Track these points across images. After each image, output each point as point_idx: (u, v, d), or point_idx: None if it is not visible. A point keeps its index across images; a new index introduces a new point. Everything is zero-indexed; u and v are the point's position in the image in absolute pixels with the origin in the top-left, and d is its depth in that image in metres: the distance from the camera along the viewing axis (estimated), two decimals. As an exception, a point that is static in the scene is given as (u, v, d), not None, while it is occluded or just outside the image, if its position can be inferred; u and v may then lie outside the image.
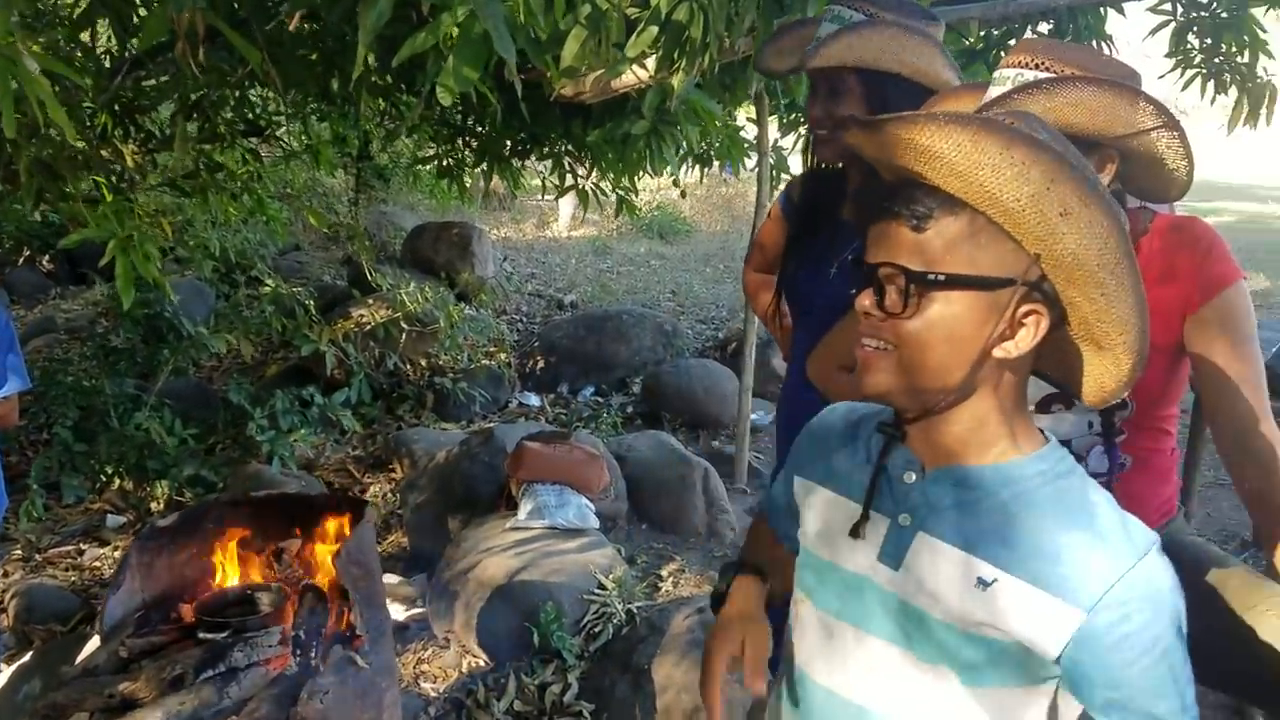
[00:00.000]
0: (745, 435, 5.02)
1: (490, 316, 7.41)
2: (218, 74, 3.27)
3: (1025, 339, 1.02)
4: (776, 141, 5.66)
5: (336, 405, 5.43)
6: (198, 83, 3.33)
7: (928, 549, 1.07)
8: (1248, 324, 1.66)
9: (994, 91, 1.64)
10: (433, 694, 3.00)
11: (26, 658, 2.92)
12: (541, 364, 6.89)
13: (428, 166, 6.03)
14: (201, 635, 2.09)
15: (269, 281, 6.23)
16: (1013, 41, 4.33)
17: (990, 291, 1.00)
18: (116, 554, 4.58)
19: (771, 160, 5.08)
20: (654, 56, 1.96)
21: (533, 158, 5.43)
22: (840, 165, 2.04)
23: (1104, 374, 1.08)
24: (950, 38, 3.33)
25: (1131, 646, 0.99)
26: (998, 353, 1.02)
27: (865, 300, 1.04)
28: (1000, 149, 0.96)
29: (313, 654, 2.05)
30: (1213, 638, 1.63)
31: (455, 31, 1.87)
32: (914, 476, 1.10)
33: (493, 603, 3.23)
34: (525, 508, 3.72)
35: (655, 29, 1.82)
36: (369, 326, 5.97)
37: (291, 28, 2.06)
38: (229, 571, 2.32)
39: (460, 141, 5.33)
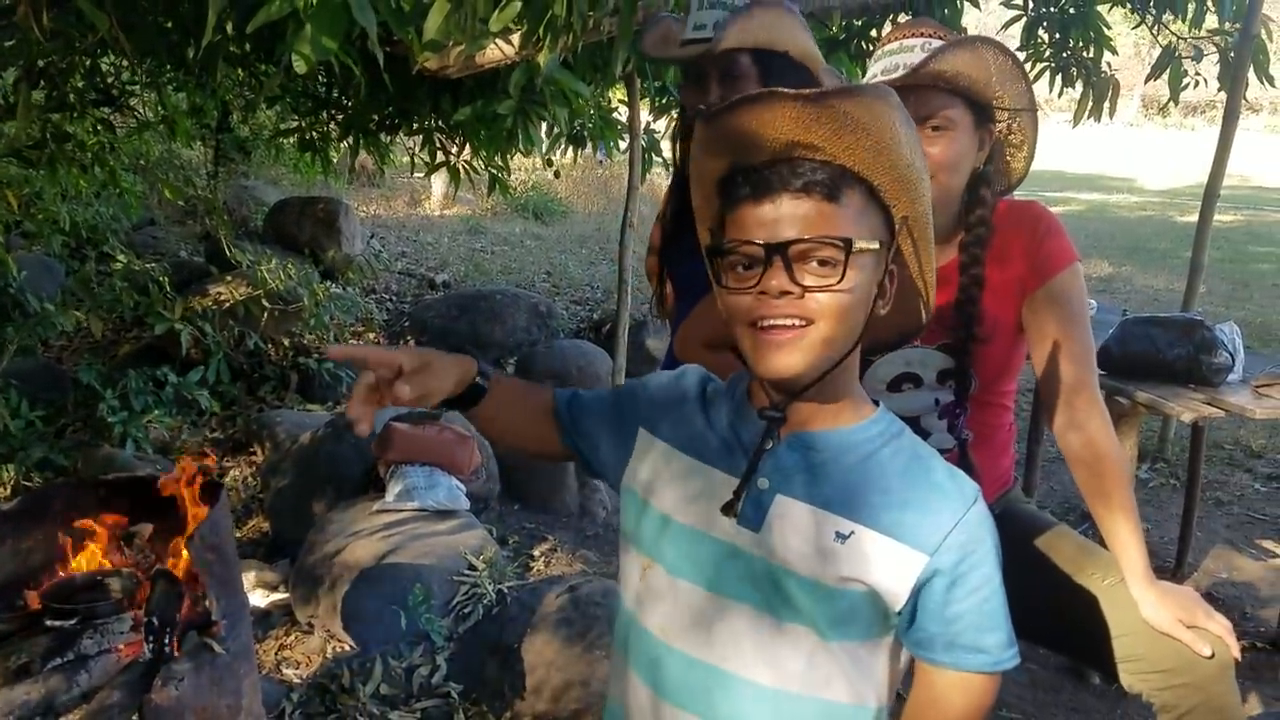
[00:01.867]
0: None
1: (358, 295, 7.23)
2: (65, 40, 3.10)
3: (889, 296, 1.13)
4: (649, 124, 5.71)
5: (192, 385, 5.22)
6: (43, 48, 3.15)
7: (786, 510, 1.13)
8: (1079, 304, 1.79)
9: (876, 68, 1.75)
10: (296, 680, 2.94)
11: None
12: (412, 344, 6.77)
13: (290, 140, 5.85)
14: (48, 623, 2.01)
15: (121, 257, 5.92)
16: (874, 32, 4.50)
17: (876, 255, 1.09)
18: (-49, 544, 4.31)
19: (644, 142, 5.13)
20: (519, 32, 1.96)
21: (401, 133, 5.33)
22: None
23: (918, 315, 1.24)
24: (813, 27, 3.42)
25: (967, 585, 1.10)
26: (879, 313, 1.12)
27: (776, 279, 1.05)
28: (901, 120, 1.05)
29: (166, 640, 1.99)
30: (1045, 599, 1.76)
31: (310, 2, 1.83)
32: (769, 443, 1.14)
33: (359, 587, 3.18)
34: (394, 490, 3.67)
35: (519, 3, 1.82)
36: (228, 304, 5.74)
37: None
38: (77, 557, 2.23)
39: (325, 115, 5.19)
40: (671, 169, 2.38)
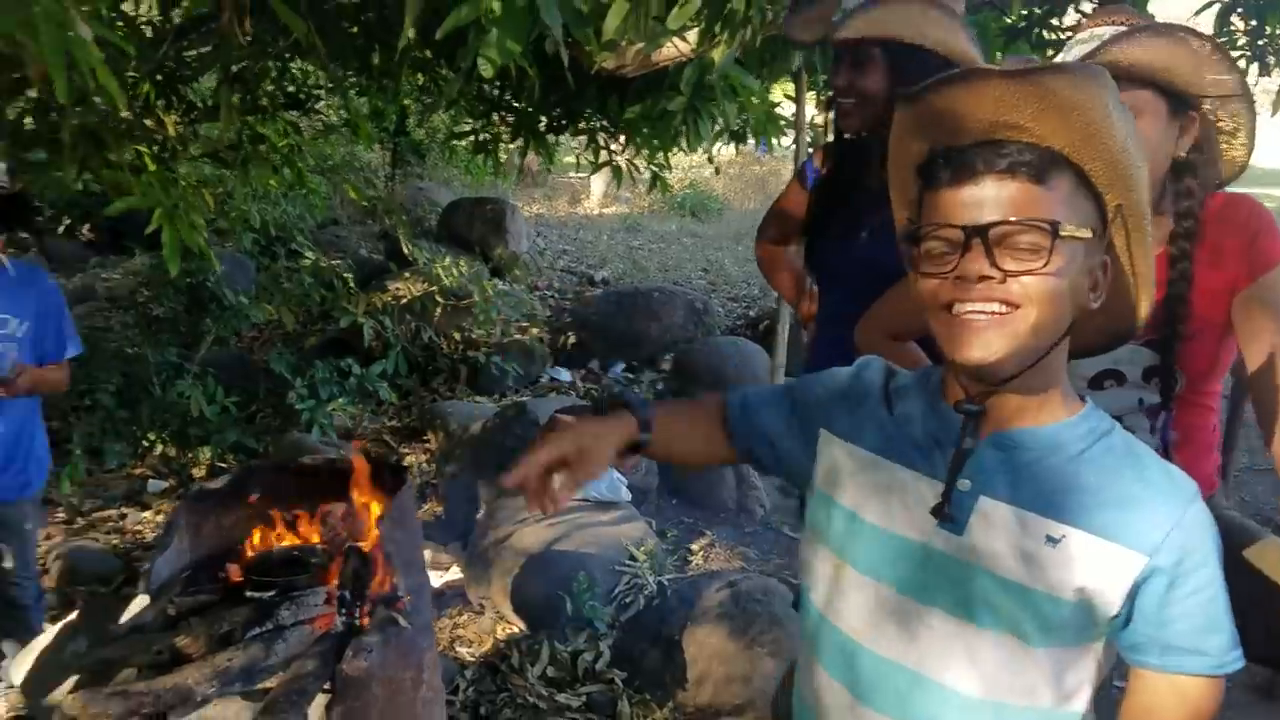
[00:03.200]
0: (776, 413, 5.02)
1: (523, 292, 7.46)
2: (260, 45, 3.31)
3: (1101, 289, 1.07)
4: (813, 119, 5.63)
5: (374, 376, 5.51)
6: (240, 54, 3.38)
7: (990, 512, 1.08)
8: None
9: (1075, 52, 1.67)
10: (469, 658, 3.06)
11: (72, 616, 3.01)
12: (573, 340, 6.93)
13: (464, 142, 6.08)
14: (249, 594, 2.15)
15: (309, 254, 6.30)
16: (1055, 20, 4.29)
17: (1086, 244, 1.03)
18: (159, 518, 4.68)
19: (810, 137, 5.06)
20: (696, 29, 1.98)
21: (567, 134, 5.44)
22: (863, 135, 2.04)
23: (1130, 316, 1.15)
24: (991, 15, 3.31)
25: (1188, 585, 1.04)
26: (1089, 306, 1.06)
27: (976, 264, 1.00)
28: (1114, 102, 1.00)
29: (356, 614, 2.11)
30: (1248, 608, 1.64)
31: (497, 6, 1.89)
32: (970, 443, 1.09)
33: (527, 571, 3.29)
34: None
35: (698, 1, 1.83)
36: (405, 300, 6.03)
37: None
38: (274, 534, 2.39)
39: (496, 117, 5.35)
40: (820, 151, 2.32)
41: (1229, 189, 1.81)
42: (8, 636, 3.01)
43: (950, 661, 1.10)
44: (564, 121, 5.07)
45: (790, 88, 5.20)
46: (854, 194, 2.08)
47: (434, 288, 6.03)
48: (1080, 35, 1.70)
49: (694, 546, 3.83)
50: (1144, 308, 1.14)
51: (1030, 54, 4.24)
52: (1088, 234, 1.02)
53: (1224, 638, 1.06)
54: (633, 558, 3.30)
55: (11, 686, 2.92)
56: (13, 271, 2.81)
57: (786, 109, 5.36)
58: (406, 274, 6.26)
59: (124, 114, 3.30)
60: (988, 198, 1.01)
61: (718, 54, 1.96)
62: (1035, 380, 1.07)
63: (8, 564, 2.90)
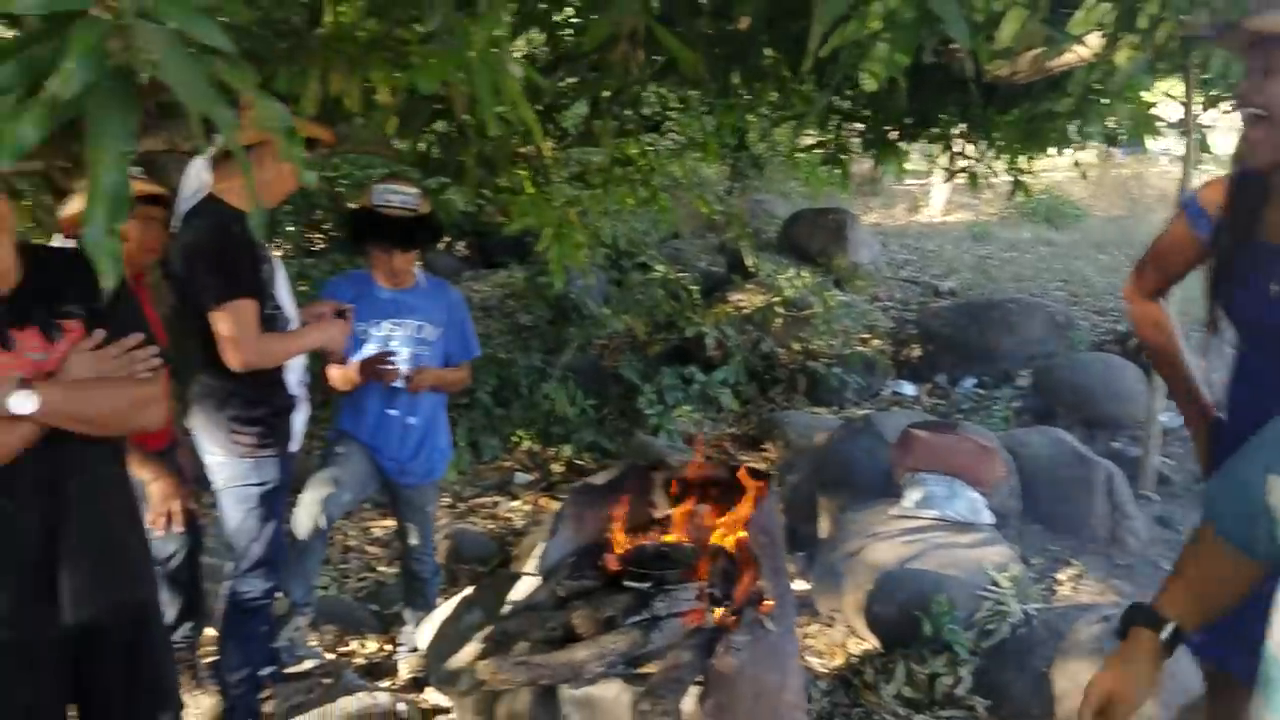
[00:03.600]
0: (1155, 438, 4.57)
1: (864, 302, 7.35)
2: (623, 73, 3.53)
3: None
4: (1196, 118, 5.08)
5: (716, 384, 5.68)
6: (614, 83, 3.62)
7: None
8: None
9: None
10: (819, 669, 3.06)
11: (468, 591, 3.34)
12: (918, 352, 6.72)
13: (812, 154, 6.11)
14: (627, 584, 2.29)
15: (659, 267, 6.62)
16: None
17: None
18: (526, 507, 5.11)
19: (1197, 138, 4.56)
20: (1099, 33, 1.85)
21: (919, 141, 5.30)
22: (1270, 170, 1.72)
23: None
24: None
25: None
26: None
27: None
28: None
29: (725, 612, 2.18)
30: None
31: (877, 24, 1.88)
32: None
33: (881, 588, 3.23)
34: (912, 496, 3.67)
35: (1107, 5, 1.71)
36: (746, 311, 6.16)
37: (743, 27, 2.18)
38: (647, 529, 2.53)
39: (844, 128, 5.33)
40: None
41: None
42: (409, 606, 3.41)
43: None
44: (916, 129, 4.95)
45: (1172, 85, 4.73)
46: (1255, 242, 1.78)
47: (775, 298, 6.11)
48: None
49: (1061, 576, 3.57)
50: None
51: None
52: None
53: None
54: (995, 583, 3.14)
55: (415, 650, 3.32)
56: (425, 285, 3.17)
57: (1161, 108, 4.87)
58: (748, 285, 6.39)
59: (512, 142, 3.66)
60: None
61: (1122, 57, 1.82)
62: None
63: (414, 540, 3.28)
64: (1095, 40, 2.02)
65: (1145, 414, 4.64)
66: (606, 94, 3.91)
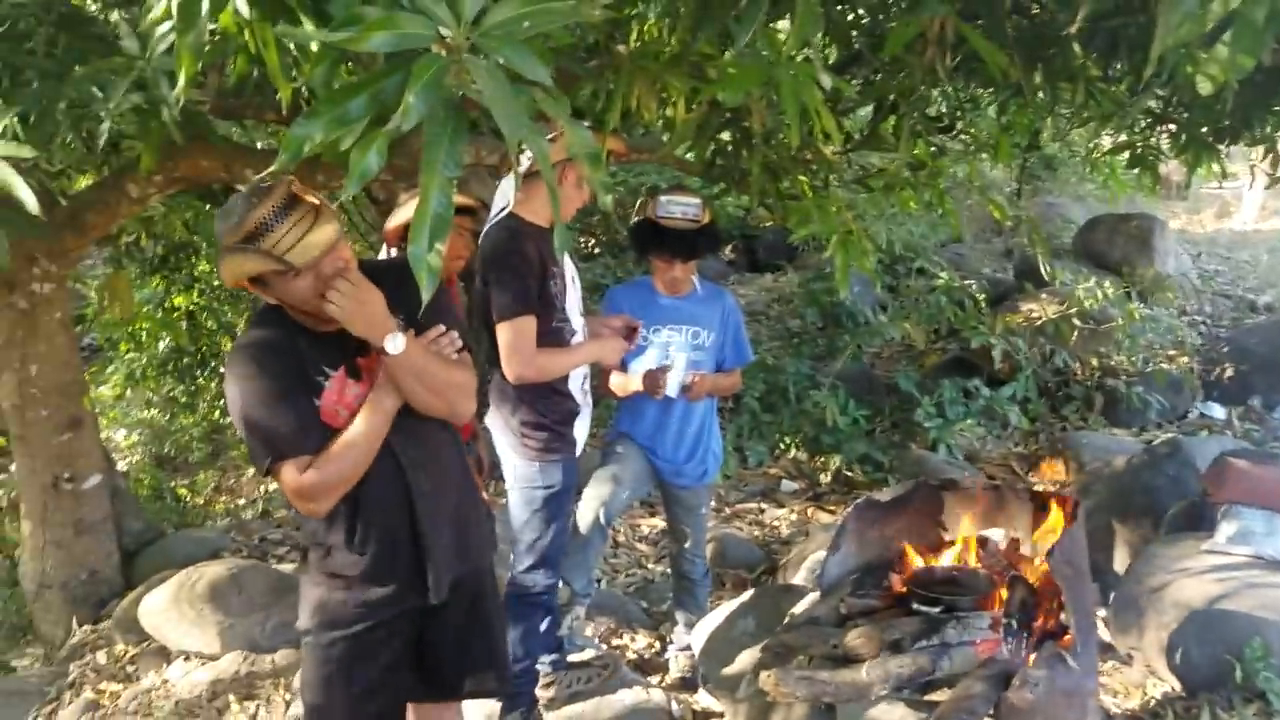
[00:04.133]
0: None
1: (1171, 316, 6.72)
2: (907, 72, 3.40)
3: None
4: None
5: (1003, 399, 5.38)
6: (898, 84, 3.51)
7: None
8: None
9: None
10: (1114, 709, 2.84)
11: (744, 598, 3.36)
12: (1230, 372, 6.07)
13: (1114, 156, 5.66)
14: (915, 607, 2.22)
15: (941, 274, 6.37)
16: None
17: None
18: (793, 516, 5.07)
19: None
20: None
21: (1238, 143, 4.79)
22: None
23: None
24: None
25: None
26: None
27: None
28: None
29: (1022, 645, 2.06)
30: None
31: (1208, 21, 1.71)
32: None
33: (1186, 627, 2.96)
34: (1226, 531, 3.33)
35: None
36: (1039, 322, 5.80)
37: (1074, 29, 2.07)
38: (936, 551, 2.43)
39: (1156, 128, 4.89)
40: None
41: None
42: (679, 606, 3.47)
43: None
44: (1236, 129, 4.46)
45: None
46: None
47: (1071, 309, 5.70)
48: None
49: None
50: None
51: None
52: None
53: None
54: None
55: (687, 649, 3.38)
56: (701, 291, 3.23)
57: None
58: (1041, 294, 6.01)
59: (807, 147, 3.63)
60: None
61: None
62: None
63: (686, 542, 3.34)
64: None
65: None
66: (895, 96, 3.81)
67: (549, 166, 1.32)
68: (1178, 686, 2.94)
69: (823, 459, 5.57)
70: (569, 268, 2.74)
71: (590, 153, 1.38)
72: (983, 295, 5.90)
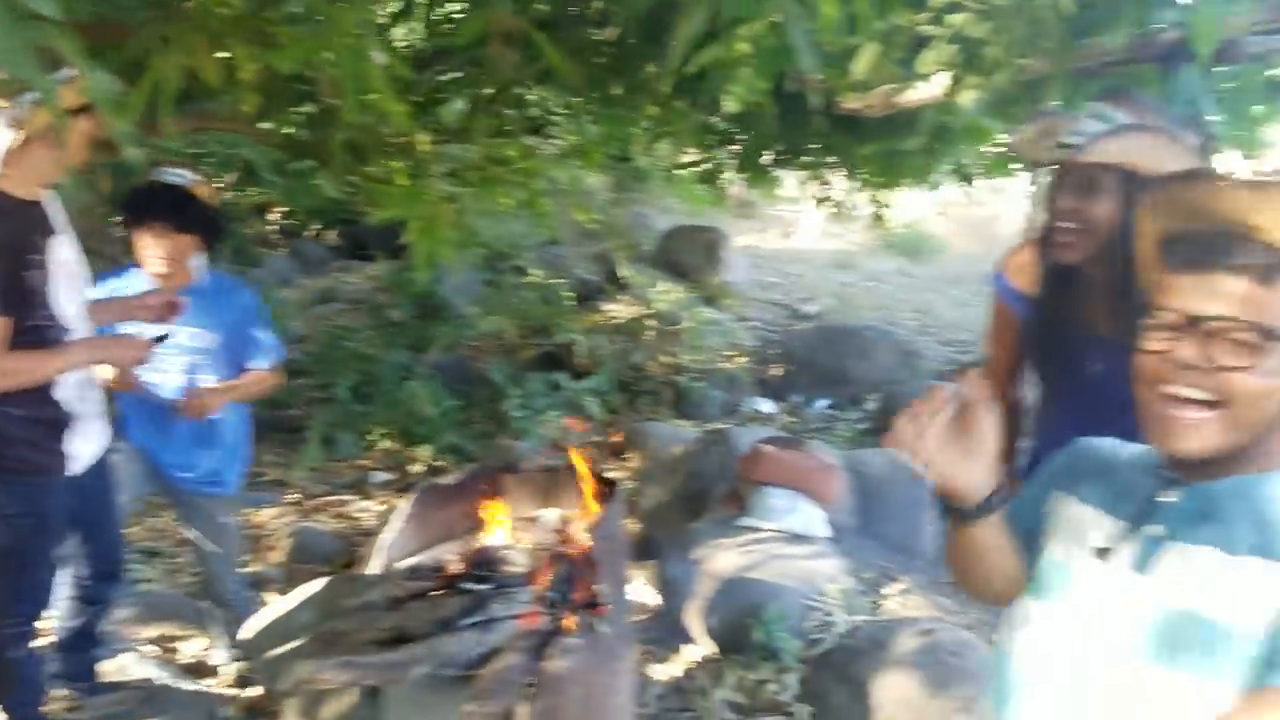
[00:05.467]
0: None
1: (732, 320, 7.52)
2: (507, 73, 3.53)
3: None
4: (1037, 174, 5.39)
5: (584, 392, 5.70)
6: (491, 80, 3.62)
7: (1183, 554, 1.10)
8: None
9: None
10: (660, 675, 3.12)
11: (309, 589, 3.25)
12: (779, 372, 6.91)
13: (688, 171, 6.23)
14: (465, 586, 2.30)
15: (535, 272, 6.62)
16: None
17: None
18: (380, 508, 5.01)
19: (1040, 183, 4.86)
20: (944, 73, 1.98)
21: (789, 169, 5.47)
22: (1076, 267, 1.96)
23: None
24: (1254, 71, 3.04)
25: None
26: None
27: (1188, 351, 1.05)
28: None
29: (561, 615, 2.21)
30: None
31: (746, 46, 1.97)
32: (1173, 496, 1.14)
33: (717, 596, 3.32)
34: (756, 509, 3.79)
35: (952, 46, 1.84)
36: (618, 321, 6.22)
37: (610, 37, 2.24)
38: (491, 532, 2.54)
39: (721, 149, 5.46)
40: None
41: None
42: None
43: (1138, 709, 1.10)
44: (788, 156, 5.11)
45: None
46: (1071, 330, 2.03)
47: (647, 311, 6.19)
48: None
49: (888, 590, 3.75)
50: None
51: None
52: None
53: None
54: (824, 594, 3.27)
55: (238, 647, 3.14)
56: (209, 284, 2.88)
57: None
58: (622, 296, 6.45)
59: (382, 131, 3.61)
60: (1212, 290, 1.05)
61: (965, 98, 1.96)
62: (1246, 447, 1.08)
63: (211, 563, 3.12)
64: (942, 80, 2.16)
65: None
66: (486, 91, 3.91)
67: (61, 114, 1.21)
68: (713, 650, 3.26)
69: (414, 449, 5.57)
70: (68, 249, 2.31)
71: (113, 99, 1.29)
72: (573, 294, 6.21)
